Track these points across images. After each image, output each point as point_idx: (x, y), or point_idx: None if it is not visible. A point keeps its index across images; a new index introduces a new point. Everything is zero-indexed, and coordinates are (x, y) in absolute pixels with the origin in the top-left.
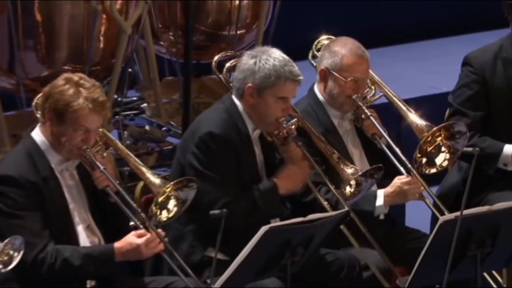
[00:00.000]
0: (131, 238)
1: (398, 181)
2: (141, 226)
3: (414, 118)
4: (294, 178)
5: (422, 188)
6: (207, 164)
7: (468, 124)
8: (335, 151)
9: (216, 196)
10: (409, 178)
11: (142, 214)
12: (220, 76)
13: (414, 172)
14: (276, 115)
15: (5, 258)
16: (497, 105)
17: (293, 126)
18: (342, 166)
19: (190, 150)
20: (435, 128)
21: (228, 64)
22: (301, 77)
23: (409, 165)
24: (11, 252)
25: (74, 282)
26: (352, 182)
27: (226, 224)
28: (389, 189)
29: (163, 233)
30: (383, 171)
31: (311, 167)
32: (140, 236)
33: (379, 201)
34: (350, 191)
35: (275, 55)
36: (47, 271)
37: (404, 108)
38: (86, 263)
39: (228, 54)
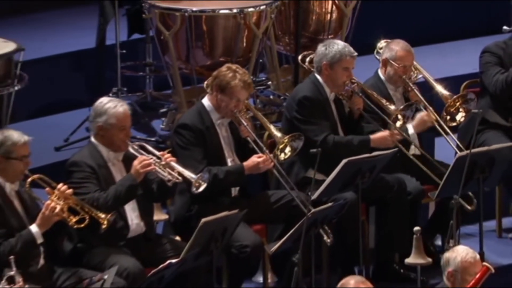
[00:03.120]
0: (253, 158)
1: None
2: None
3: (442, 90)
4: (384, 143)
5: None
6: (305, 114)
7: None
8: (383, 98)
9: (316, 132)
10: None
11: (267, 152)
12: (304, 65)
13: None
14: (343, 80)
15: (197, 185)
16: None
17: (355, 88)
18: (389, 106)
19: (294, 109)
20: (455, 96)
21: (309, 58)
22: (355, 54)
23: (442, 123)
24: (201, 182)
25: (223, 191)
26: (400, 117)
27: (327, 150)
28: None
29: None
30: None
31: (363, 104)
32: (259, 157)
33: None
34: (401, 124)
35: (337, 42)
36: (212, 186)
37: (434, 83)
38: (227, 176)
39: (307, 53)
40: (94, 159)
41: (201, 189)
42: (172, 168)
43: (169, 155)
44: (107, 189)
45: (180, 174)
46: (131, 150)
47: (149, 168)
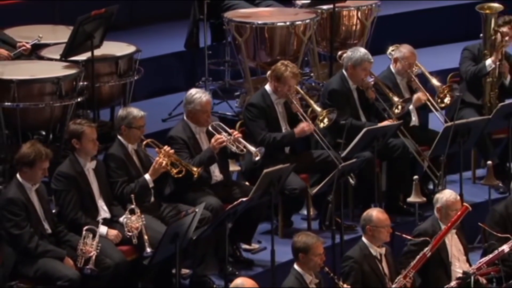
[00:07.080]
0: (301, 124)
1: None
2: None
3: (436, 82)
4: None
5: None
6: (332, 102)
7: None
8: (391, 91)
9: (339, 114)
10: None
11: (309, 121)
12: (340, 61)
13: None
14: (361, 77)
15: (256, 155)
16: None
17: (371, 82)
18: (393, 97)
19: (325, 97)
20: (444, 86)
21: (343, 56)
22: (372, 60)
23: (433, 102)
24: (259, 153)
25: (280, 150)
26: (400, 107)
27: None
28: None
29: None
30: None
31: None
32: (305, 125)
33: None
34: (398, 112)
35: (360, 50)
36: (272, 145)
37: (430, 76)
38: (283, 138)
39: (341, 52)
40: (186, 133)
41: (257, 158)
42: (239, 142)
43: (237, 132)
44: (195, 153)
45: (244, 146)
46: (210, 129)
47: (222, 144)
